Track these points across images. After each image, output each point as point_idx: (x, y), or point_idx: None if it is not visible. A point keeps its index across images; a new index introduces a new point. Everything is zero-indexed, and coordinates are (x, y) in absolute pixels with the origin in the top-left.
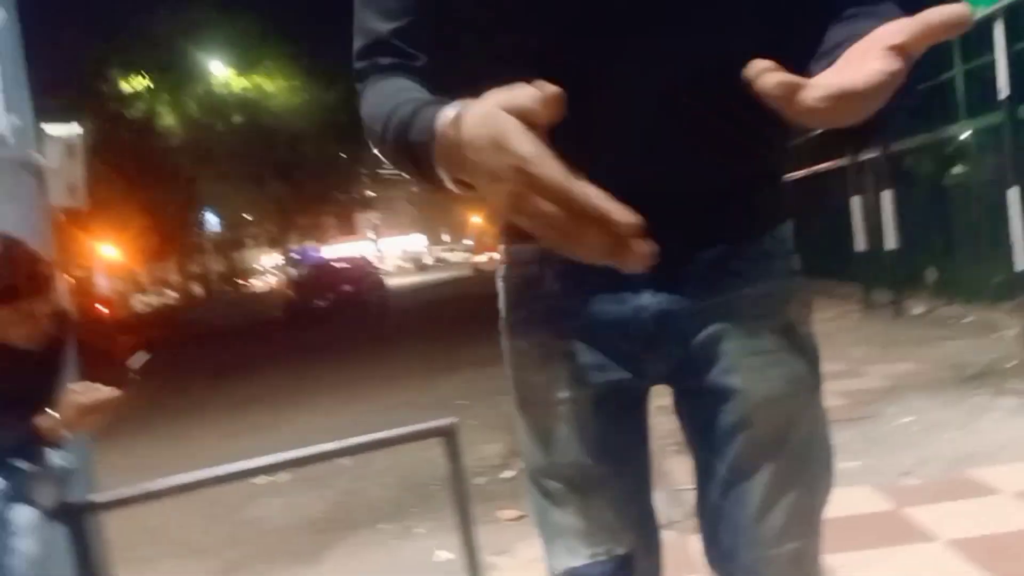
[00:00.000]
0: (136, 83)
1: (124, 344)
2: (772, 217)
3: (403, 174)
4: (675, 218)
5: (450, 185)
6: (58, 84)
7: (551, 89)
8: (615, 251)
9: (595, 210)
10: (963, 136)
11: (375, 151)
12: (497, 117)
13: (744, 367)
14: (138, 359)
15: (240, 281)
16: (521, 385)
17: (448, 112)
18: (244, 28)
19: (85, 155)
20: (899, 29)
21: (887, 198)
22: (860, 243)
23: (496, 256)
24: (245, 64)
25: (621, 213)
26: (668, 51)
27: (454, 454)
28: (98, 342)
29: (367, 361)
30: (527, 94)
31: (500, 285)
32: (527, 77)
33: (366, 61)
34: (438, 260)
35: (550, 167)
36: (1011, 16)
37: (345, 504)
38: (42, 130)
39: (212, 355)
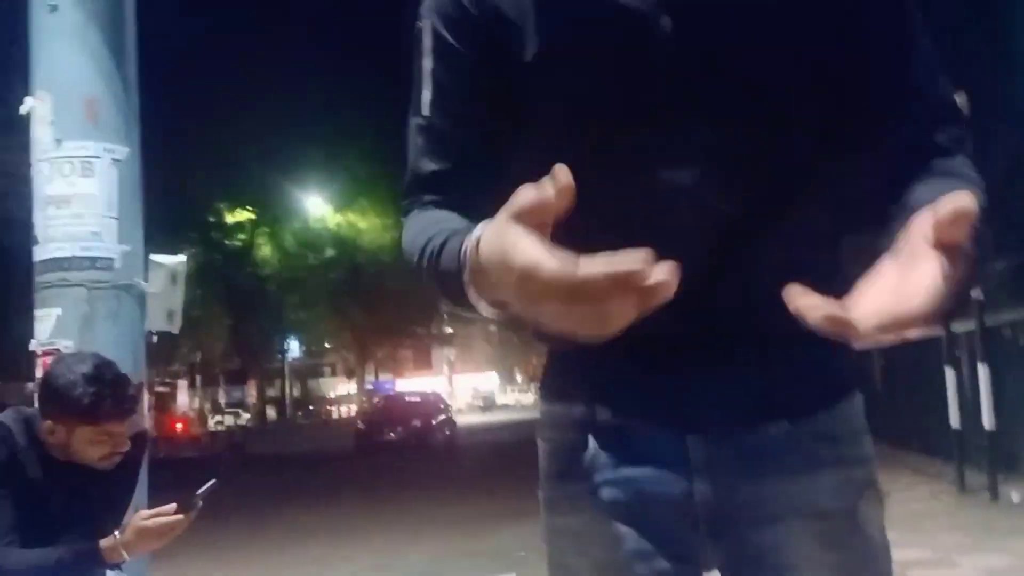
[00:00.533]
0: (240, 215)
1: (195, 464)
2: (838, 389)
3: (453, 307)
4: (724, 385)
5: (486, 311)
6: (166, 210)
7: (558, 175)
8: (645, 301)
9: (605, 279)
10: None
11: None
12: (503, 231)
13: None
14: (207, 487)
15: (313, 408)
16: (558, 567)
17: (473, 236)
18: (346, 167)
19: (186, 282)
20: (929, 222)
21: (984, 373)
22: (954, 419)
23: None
24: (342, 201)
25: (626, 261)
26: (718, 174)
27: None
28: (170, 462)
29: (430, 500)
30: (526, 195)
31: (539, 446)
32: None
33: (410, 198)
34: (509, 400)
35: (546, 270)
36: None
37: None
38: (149, 257)
39: (277, 480)
